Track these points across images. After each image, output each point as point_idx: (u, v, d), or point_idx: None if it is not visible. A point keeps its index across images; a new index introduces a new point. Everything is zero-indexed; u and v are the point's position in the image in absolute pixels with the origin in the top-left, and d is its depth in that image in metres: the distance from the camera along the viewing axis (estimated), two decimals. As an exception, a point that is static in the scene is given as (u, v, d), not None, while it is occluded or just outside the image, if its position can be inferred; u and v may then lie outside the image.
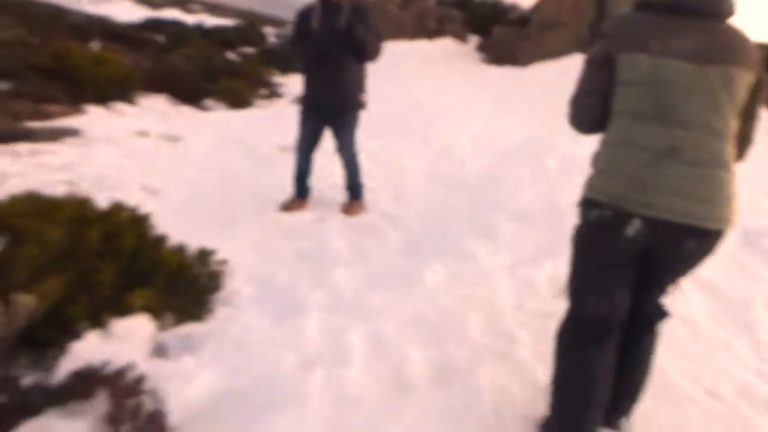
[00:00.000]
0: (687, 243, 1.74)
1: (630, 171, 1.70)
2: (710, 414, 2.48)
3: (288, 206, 4.28)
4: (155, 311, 2.20)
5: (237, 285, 2.93)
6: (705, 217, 1.68)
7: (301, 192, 4.36)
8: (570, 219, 2.03)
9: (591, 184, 1.83)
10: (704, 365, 2.86)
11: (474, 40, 15.31)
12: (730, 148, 1.73)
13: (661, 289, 1.95)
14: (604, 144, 1.84)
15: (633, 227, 1.71)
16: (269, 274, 3.15)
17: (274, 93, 10.23)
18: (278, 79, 11.87)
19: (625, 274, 1.84)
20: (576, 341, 1.89)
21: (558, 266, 3.21)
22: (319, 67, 3.93)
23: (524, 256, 3.55)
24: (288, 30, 16.87)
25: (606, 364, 1.86)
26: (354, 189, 4.37)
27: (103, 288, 2.06)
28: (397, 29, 15.12)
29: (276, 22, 27.18)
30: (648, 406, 2.23)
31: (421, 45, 14.04)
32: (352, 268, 3.30)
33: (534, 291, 3.12)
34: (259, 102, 9.23)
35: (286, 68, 12.89)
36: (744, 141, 1.83)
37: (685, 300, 3.50)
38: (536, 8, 14.41)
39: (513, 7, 16.08)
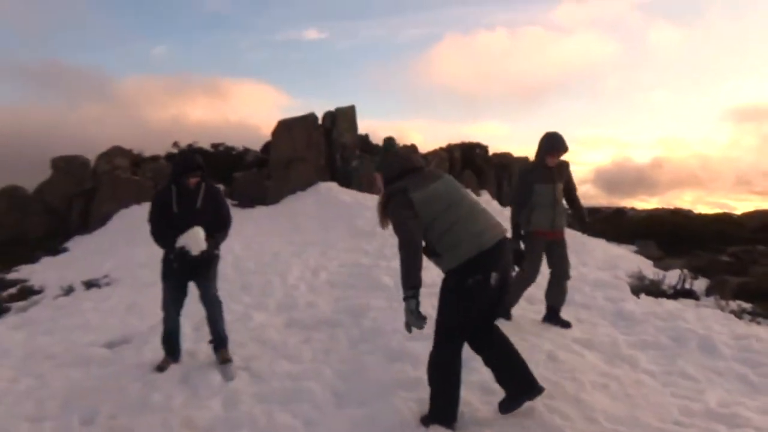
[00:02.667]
0: None
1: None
2: None
3: (164, 364, 4.22)
4: None
5: None
6: None
7: (176, 352, 4.33)
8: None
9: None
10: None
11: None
12: None
13: None
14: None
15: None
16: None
17: (25, 290, 8.60)
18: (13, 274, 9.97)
19: None
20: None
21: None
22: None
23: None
24: None
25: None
26: (223, 338, 4.37)
27: None
28: (135, 194, 14.38)
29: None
30: None
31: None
32: None
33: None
34: (14, 306, 7.62)
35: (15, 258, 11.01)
36: None
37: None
38: (271, 149, 15.40)
39: (247, 151, 16.84)
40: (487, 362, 3.23)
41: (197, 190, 4.23)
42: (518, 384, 3.14)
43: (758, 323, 5.77)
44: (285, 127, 15.21)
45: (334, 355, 4.33)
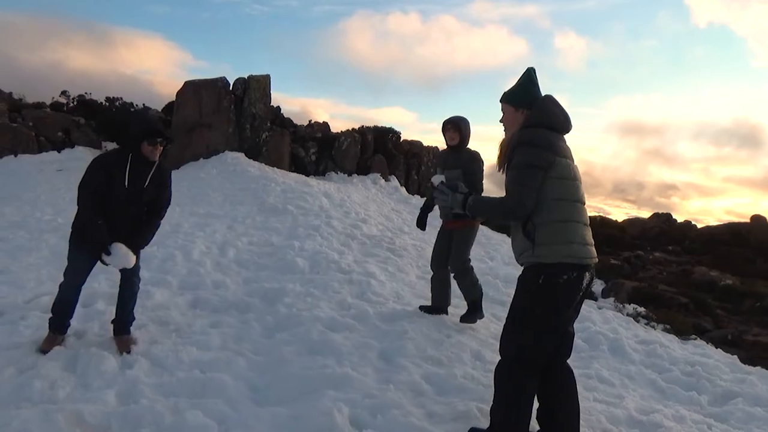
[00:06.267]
0: None
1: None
2: None
3: (47, 345, 3.58)
4: None
5: None
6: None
7: (64, 327, 3.72)
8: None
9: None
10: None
11: (110, 147, 14.13)
12: None
13: None
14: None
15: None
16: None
17: None
18: None
19: None
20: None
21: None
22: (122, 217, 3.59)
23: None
24: None
25: None
26: (129, 321, 3.87)
27: None
28: (11, 142, 12.77)
29: None
30: None
31: (57, 157, 12.22)
32: None
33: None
34: None
35: None
36: None
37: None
38: (175, 110, 14.31)
39: (147, 110, 15.57)
40: (547, 406, 2.76)
41: (151, 166, 3.56)
42: None
43: (653, 327, 6.12)
44: (192, 88, 14.16)
45: (247, 343, 3.94)
